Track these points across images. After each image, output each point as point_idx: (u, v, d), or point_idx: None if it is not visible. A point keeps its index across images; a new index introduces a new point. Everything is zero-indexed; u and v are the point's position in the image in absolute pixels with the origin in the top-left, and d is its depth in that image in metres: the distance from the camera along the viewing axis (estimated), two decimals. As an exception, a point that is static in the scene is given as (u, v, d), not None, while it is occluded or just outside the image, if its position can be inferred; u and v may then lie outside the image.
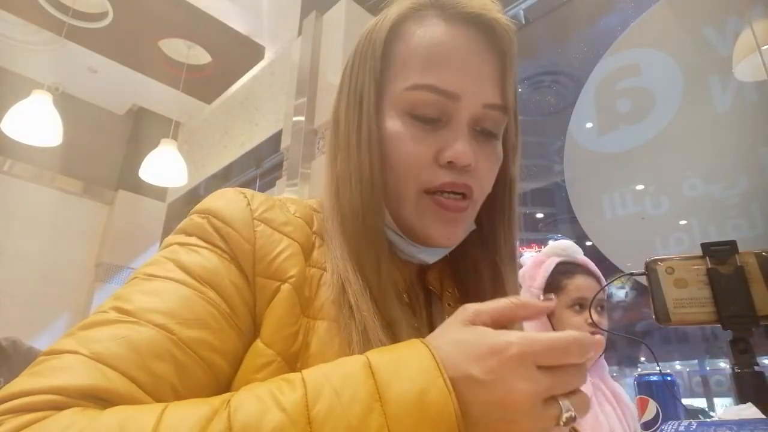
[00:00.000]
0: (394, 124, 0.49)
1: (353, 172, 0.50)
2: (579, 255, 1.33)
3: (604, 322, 1.22)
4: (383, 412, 0.30)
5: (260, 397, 0.32)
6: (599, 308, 1.24)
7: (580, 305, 1.22)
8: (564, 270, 1.28)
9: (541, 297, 1.27)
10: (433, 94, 0.48)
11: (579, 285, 1.25)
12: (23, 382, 0.34)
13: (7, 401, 0.32)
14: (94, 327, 0.37)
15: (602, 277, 1.31)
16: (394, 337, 0.44)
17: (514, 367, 0.32)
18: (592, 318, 1.19)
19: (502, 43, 0.50)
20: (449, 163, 0.48)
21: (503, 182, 0.55)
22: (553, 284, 1.27)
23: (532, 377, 0.32)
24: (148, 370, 0.36)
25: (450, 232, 0.50)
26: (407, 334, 0.45)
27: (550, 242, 1.37)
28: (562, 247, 1.33)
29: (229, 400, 0.32)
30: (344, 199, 0.50)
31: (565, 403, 0.33)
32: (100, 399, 0.33)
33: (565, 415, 0.33)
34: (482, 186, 0.51)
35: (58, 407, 0.32)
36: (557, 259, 1.30)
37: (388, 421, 0.30)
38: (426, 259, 0.53)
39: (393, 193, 0.50)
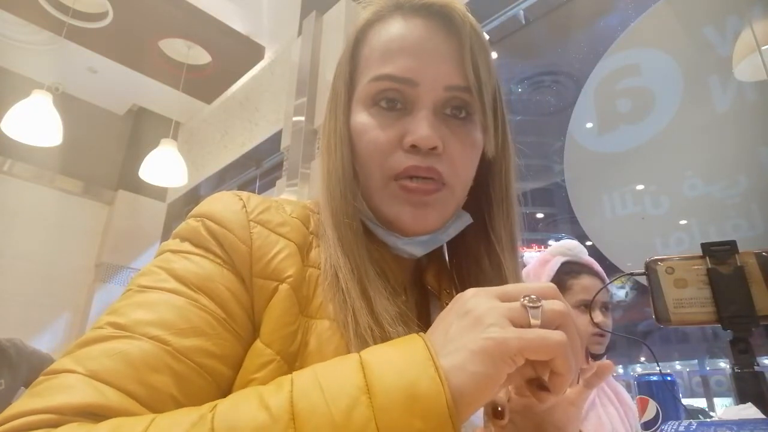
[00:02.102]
0: (360, 117, 0.52)
1: (332, 169, 0.53)
2: (584, 255, 1.32)
3: (608, 323, 1.22)
4: (371, 404, 0.29)
5: (248, 399, 0.32)
6: (604, 309, 1.23)
7: (586, 305, 1.22)
8: (569, 270, 1.28)
9: None
10: (391, 83, 0.50)
11: (585, 285, 1.24)
12: (23, 403, 0.34)
13: (7, 422, 0.33)
14: (90, 344, 0.38)
15: (606, 278, 1.31)
16: (378, 322, 0.45)
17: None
18: (592, 318, 1.19)
19: (457, 27, 0.51)
20: (413, 147, 0.48)
21: (494, 168, 0.56)
22: (558, 284, 1.26)
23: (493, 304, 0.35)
24: (145, 383, 0.36)
25: (420, 216, 0.49)
26: (390, 314, 0.45)
27: (552, 242, 1.37)
28: (568, 246, 1.32)
29: (217, 404, 0.32)
30: (328, 194, 0.52)
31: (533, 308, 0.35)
32: (95, 415, 0.34)
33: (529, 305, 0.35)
34: (455, 170, 0.50)
35: (55, 425, 0.33)
36: (562, 259, 1.30)
37: (376, 413, 0.29)
38: (413, 251, 0.52)
39: (365, 184, 0.52)
